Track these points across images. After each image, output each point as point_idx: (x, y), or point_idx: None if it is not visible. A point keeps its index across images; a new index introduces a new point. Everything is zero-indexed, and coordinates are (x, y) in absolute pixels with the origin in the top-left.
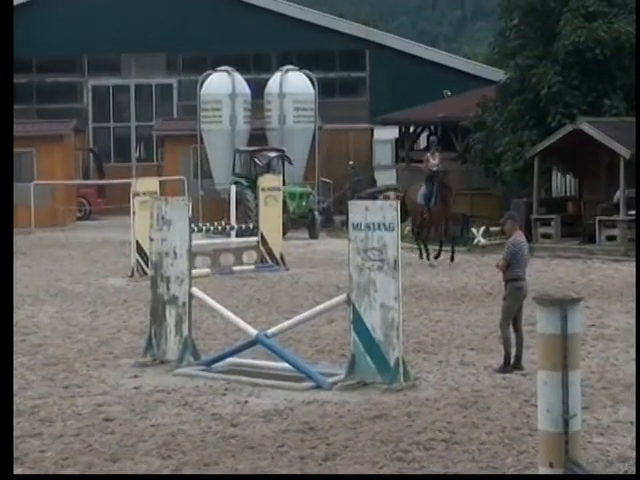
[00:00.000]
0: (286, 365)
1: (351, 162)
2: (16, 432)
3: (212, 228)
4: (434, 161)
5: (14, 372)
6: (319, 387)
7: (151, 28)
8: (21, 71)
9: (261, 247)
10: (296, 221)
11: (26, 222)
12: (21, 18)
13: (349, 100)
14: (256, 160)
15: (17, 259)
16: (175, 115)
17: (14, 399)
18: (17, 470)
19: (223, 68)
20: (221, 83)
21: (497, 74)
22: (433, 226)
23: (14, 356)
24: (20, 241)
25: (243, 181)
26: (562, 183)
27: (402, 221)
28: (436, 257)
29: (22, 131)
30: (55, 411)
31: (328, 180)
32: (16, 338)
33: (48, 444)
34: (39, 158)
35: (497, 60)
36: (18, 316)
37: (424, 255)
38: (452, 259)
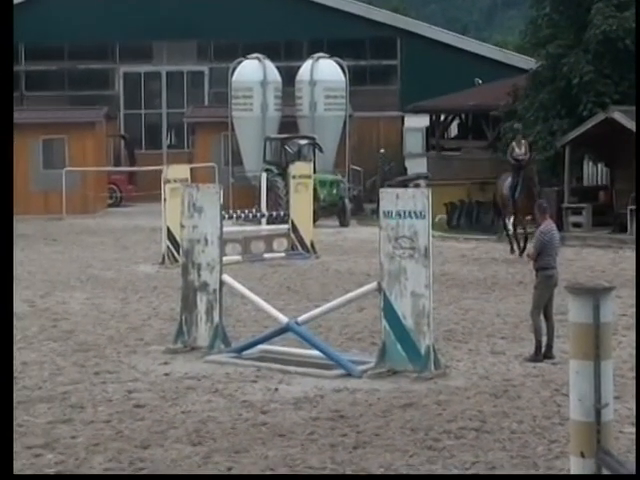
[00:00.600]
0: (316, 352)
1: (382, 150)
2: (47, 418)
3: (243, 215)
4: (520, 150)
5: (45, 358)
6: (349, 375)
7: (182, 15)
8: (53, 58)
9: (292, 235)
10: (326, 209)
11: (57, 209)
12: (53, 5)
13: (380, 88)
14: (287, 148)
15: (48, 245)
16: (206, 102)
17: (46, 384)
18: (48, 456)
19: (254, 55)
20: (252, 70)
21: (528, 62)
22: (518, 218)
23: (45, 342)
24: (51, 227)
25: (274, 169)
26: (593, 172)
27: (496, 215)
28: (520, 253)
29: (54, 118)
30: (86, 397)
31: (358, 168)
32: (47, 324)
33: (79, 430)
34: (71, 145)
35: (528, 49)
36: (49, 302)
37: (515, 248)
38: (521, 253)
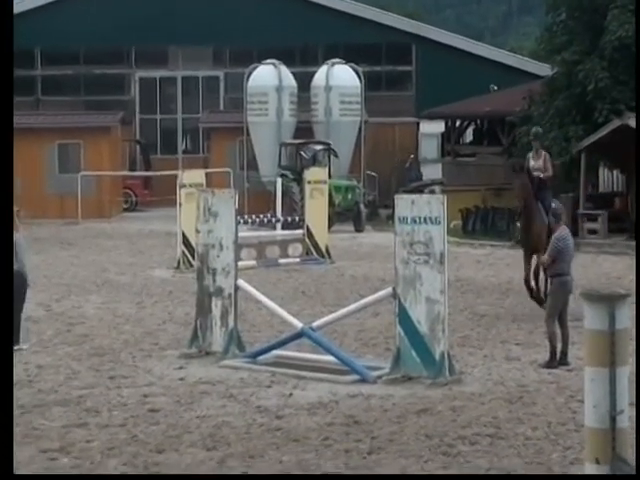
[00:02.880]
0: (331, 358)
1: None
2: (62, 422)
3: (258, 220)
4: (535, 163)
5: (60, 362)
6: (364, 380)
7: (198, 20)
8: (69, 62)
9: (307, 240)
10: (341, 214)
11: (73, 213)
12: (69, 9)
13: (395, 94)
14: (302, 153)
15: (64, 249)
16: (221, 107)
17: (61, 388)
18: (63, 460)
19: (270, 61)
20: (268, 76)
21: (543, 69)
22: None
23: (61, 346)
24: (67, 232)
25: (289, 174)
26: (609, 179)
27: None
28: None
29: (69, 122)
30: (101, 401)
31: (374, 173)
32: (62, 328)
33: (94, 434)
34: (86, 149)
35: (544, 55)
36: (64, 306)
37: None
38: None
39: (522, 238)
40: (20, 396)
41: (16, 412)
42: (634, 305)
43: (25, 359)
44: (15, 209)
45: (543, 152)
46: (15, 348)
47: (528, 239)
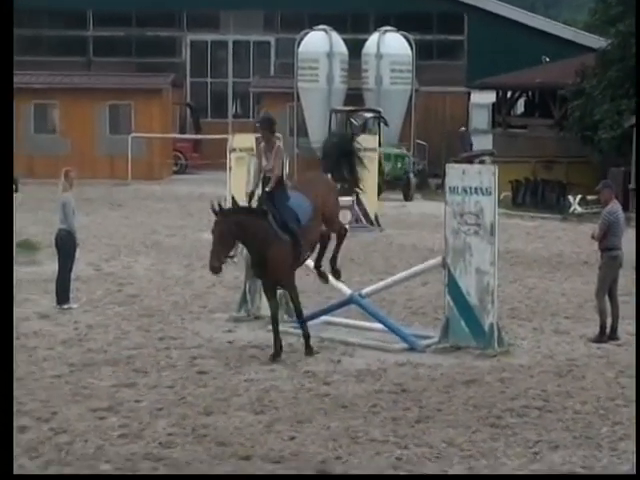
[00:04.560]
0: (379, 326)
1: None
2: (111, 381)
3: None
4: None
5: (110, 321)
6: (412, 349)
7: None
8: (121, 24)
9: (356, 207)
10: (391, 183)
11: (123, 174)
12: None
13: (446, 63)
14: (352, 120)
15: (113, 210)
16: (272, 73)
17: (110, 348)
18: (112, 419)
19: (321, 27)
20: (319, 42)
21: (597, 41)
22: None
23: (110, 306)
24: (117, 193)
25: None
26: None
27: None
28: None
29: (120, 84)
30: (150, 362)
31: (423, 143)
32: (112, 288)
33: (143, 394)
34: (137, 111)
35: (597, 27)
36: (114, 267)
37: None
38: None
39: None
40: (70, 355)
41: (66, 370)
42: None
43: (75, 318)
44: (65, 169)
45: None
46: (64, 307)
47: None
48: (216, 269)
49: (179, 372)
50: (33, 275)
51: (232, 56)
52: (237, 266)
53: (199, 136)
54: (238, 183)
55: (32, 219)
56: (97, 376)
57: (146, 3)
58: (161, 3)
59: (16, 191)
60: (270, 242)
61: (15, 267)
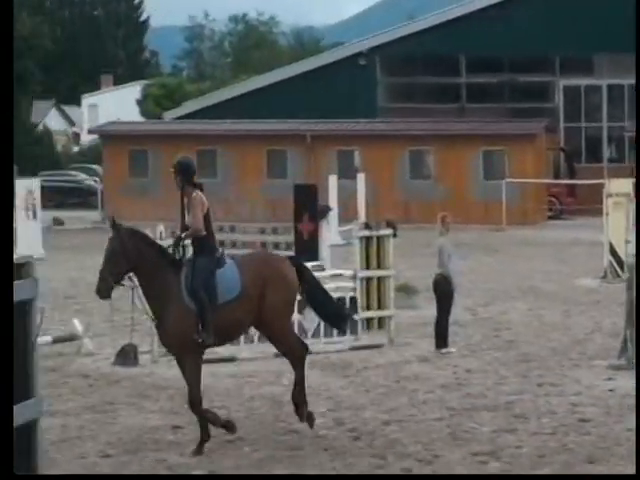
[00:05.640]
0: None
1: None
2: (492, 427)
3: None
4: None
5: (489, 366)
6: None
7: (623, 26)
8: (493, 70)
9: None
10: None
11: (497, 219)
12: (493, 17)
13: None
14: None
15: (488, 255)
16: None
17: (489, 393)
18: (494, 464)
19: None
20: None
21: None
22: None
23: (488, 351)
24: (491, 238)
25: None
26: None
27: None
28: None
29: (494, 130)
30: (530, 408)
31: None
32: (489, 333)
33: (523, 440)
34: (510, 156)
35: None
36: (490, 312)
37: None
38: None
39: None
40: (449, 398)
41: (446, 414)
42: None
43: (454, 362)
44: (442, 214)
45: None
46: (443, 351)
47: None
48: (102, 293)
49: (560, 419)
50: (413, 319)
51: (606, 100)
52: (615, 313)
53: (574, 181)
54: (615, 228)
55: (409, 263)
56: (477, 421)
57: (518, 49)
58: (533, 49)
59: (394, 236)
60: (172, 300)
61: (395, 310)
